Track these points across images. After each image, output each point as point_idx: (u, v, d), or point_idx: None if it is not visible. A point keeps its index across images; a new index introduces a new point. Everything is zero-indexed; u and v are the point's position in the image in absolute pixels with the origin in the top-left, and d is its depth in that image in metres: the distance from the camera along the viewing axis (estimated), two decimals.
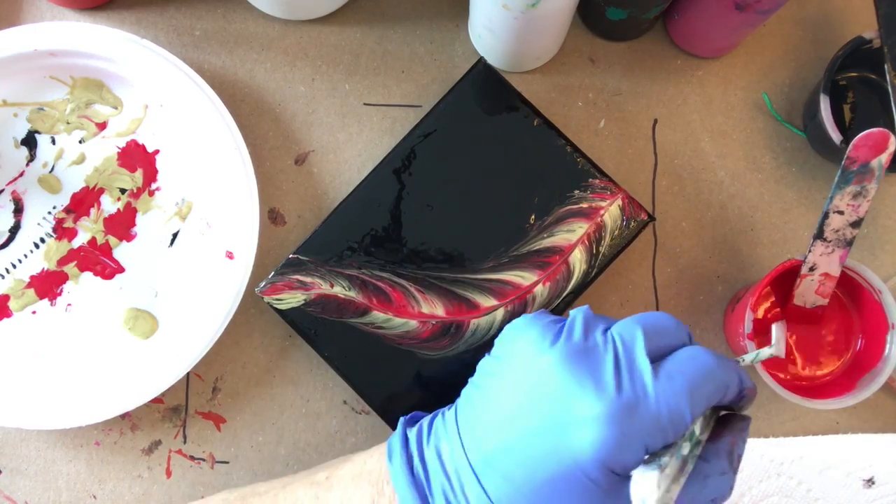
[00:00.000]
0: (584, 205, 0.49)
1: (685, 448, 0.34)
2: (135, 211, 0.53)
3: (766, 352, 0.40)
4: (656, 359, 0.34)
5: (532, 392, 0.34)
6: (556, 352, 0.34)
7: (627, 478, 0.33)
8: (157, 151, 0.53)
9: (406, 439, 0.38)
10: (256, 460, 0.53)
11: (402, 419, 0.40)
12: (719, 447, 0.35)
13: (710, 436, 0.35)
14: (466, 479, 0.34)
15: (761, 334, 0.50)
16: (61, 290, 0.52)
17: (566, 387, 0.33)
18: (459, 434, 0.35)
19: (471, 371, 0.40)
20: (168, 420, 0.53)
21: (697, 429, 0.35)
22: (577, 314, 0.37)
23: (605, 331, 0.35)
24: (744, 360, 0.40)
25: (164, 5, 0.55)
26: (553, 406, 0.33)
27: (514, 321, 0.39)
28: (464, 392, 0.38)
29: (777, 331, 0.42)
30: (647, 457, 0.33)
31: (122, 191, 0.53)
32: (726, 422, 0.36)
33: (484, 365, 0.39)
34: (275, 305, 0.49)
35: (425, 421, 0.38)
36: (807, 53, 0.55)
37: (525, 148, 0.50)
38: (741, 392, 0.35)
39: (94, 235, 0.53)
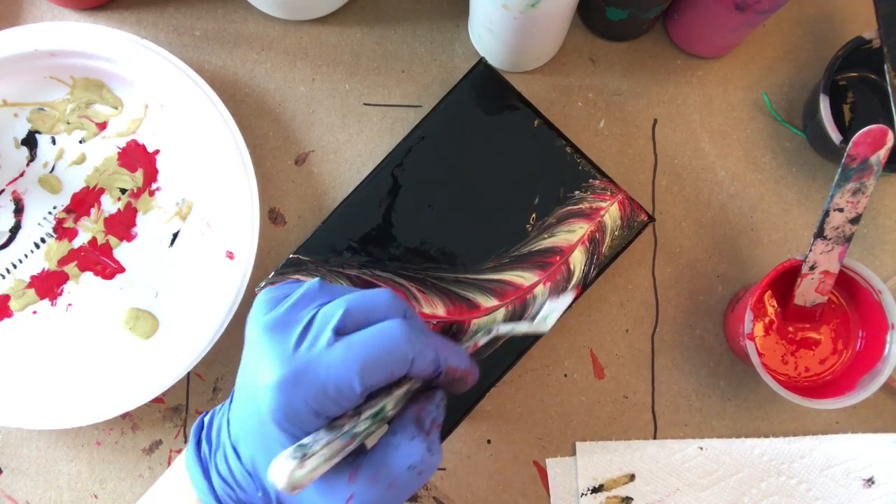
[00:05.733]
0: (585, 205, 0.49)
1: (361, 425, 0.34)
2: (135, 211, 0.53)
3: (521, 327, 0.42)
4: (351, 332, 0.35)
5: (244, 364, 0.37)
6: (260, 325, 0.36)
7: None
8: (157, 151, 0.53)
9: (200, 424, 0.40)
10: None
11: (199, 420, 0.41)
12: (404, 417, 0.36)
13: (399, 412, 0.36)
14: (229, 449, 0.37)
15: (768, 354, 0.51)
16: (62, 290, 0.52)
17: (258, 356, 0.35)
18: (229, 410, 0.38)
19: None
20: (169, 420, 0.53)
21: (390, 405, 0.35)
22: (302, 287, 0.37)
23: (320, 306, 0.36)
24: (499, 330, 0.41)
25: (164, 5, 0.55)
26: (252, 373, 0.35)
27: None
28: None
29: (549, 305, 0.43)
30: (329, 422, 0.34)
31: (123, 191, 0.53)
32: (415, 397, 0.37)
33: None
34: None
35: (218, 406, 0.40)
36: (807, 53, 0.55)
37: (525, 148, 0.50)
38: (438, 370, 0.36)
39: (95, 235, 0.53)
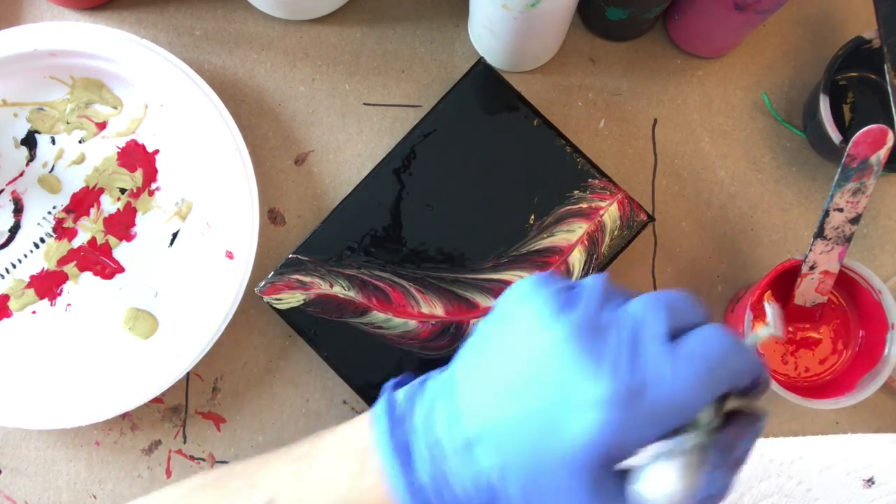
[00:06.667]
0: (584, 205, 0.49)
1: (697, 437, 0.30)
2: (135, 211, 0.53)
3: (763, 332, 0.37)
4: (671, 339, 0.31)
5: (534, 367, 0.32)
6: (562, 327, 0.31)
7: (615, 468, 0.31)
8: (156, 151, 0.53)
9: (392, 404, 0.35)
10: None
11: (388, 384, 0.37)
12: (718, 440, 0.31)
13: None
14: (459, 445, 0.32)
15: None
16: (61, 290, 0.52)
17: (569, 367, 0.30)
18: (457, 398, 0.33)
19: None
20: (168, 420, 0.53)
21: (708, 416, 0.31)
22: (593, 284, 0.33)
23: (620, 306, 0.32)
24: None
25: (164, 5, 0.55)
26: (553, 386, 0.31)
27: (521, 281, 0.35)
28: (462, 353, 0.35)
29: (772, 310, 0.40)
30: (643, 448, 0.30)
31: (122, 191, 0.53)
32: (733, 416, 0.33)
33: (485, 326, 0.35)
34: (274, 305, 0.49)
35: (416, 382, 0.35)
36: (807, 53, 0.55)
37: (525, 148, 0.50)
38: (755, 380, 0.32)
39: (94, 235, 0.53)
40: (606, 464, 0.30)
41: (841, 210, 0.46)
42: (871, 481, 0.52)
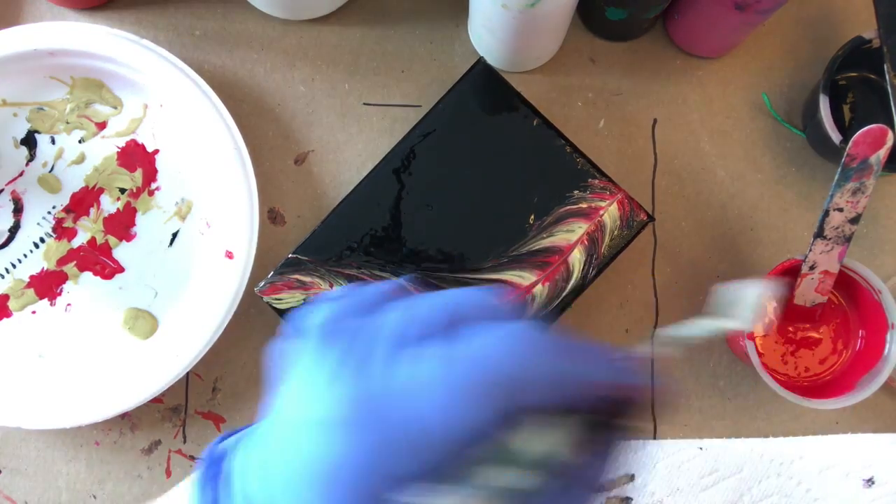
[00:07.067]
0: (584, 205, 0.49)
1: (500, 477, 0.24)
2: (134, 211, 0.53)
3: (720, 324, 0.29)
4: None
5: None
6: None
7: None
8: (156, 151, 0.53)
9: (214, 482, 0.26)
10: None
11: (210, 449, 0.28)
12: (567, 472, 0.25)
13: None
14: None
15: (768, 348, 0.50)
16: (61, 290, 0.52)
17: (301, 378, 0.26)
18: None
19: None
20: (168, 420, 0.53)
21: (540, 445, 0.25)
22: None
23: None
24: (690, 331, 0.30)
25: (164, 5, 0.55)
26: (295, 397, 0.26)
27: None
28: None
29: (754, 297, 0.32)
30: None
31: (122, 190, 0.53)
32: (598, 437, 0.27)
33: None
34: (274, 305, 0.49)
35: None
36: (807, 53, 0.55)
37: (525, 148, 0.50)
38: (617, 392, 0.25)
39: (94, 235, 0.53)
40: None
41: (841, 210, 0.46)
42: (871, 481, 0.52)
